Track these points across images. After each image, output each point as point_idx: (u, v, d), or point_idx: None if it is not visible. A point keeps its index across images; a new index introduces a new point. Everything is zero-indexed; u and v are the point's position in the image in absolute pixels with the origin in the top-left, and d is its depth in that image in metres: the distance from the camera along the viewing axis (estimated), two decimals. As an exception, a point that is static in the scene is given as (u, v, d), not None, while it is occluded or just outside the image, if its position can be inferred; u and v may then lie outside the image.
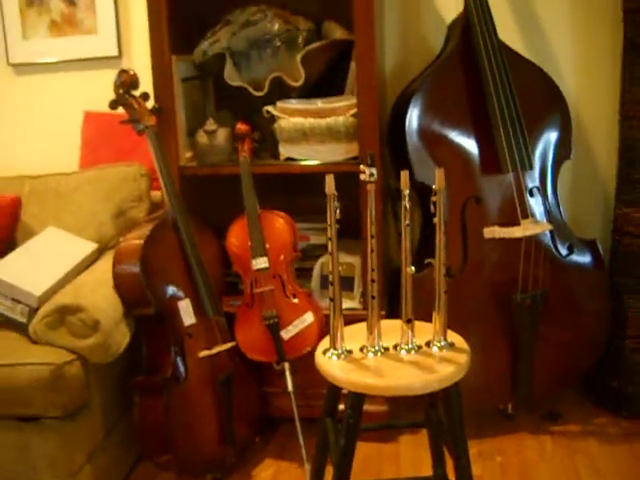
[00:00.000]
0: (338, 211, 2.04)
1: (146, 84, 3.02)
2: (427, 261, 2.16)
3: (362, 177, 2.01)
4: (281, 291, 2.91)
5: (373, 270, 2.08)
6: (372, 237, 2.05)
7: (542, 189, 3.02)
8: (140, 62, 3.46)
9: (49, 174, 3.43)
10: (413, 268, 2.07)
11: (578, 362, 3.15)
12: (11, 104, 3.85)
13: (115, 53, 3.66)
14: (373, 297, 2.10)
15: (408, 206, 2.02)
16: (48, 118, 3.81)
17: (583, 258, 3.11)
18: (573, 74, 3.37)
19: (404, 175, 2.00)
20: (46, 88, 3.80)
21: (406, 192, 2.01)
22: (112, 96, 2.94)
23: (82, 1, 3.66)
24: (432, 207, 2.04)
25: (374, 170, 1.98)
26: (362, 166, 2.01)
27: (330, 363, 2.14)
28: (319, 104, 3.00)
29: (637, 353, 3.16)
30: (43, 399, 2.57)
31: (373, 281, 2.09)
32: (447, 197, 2.88)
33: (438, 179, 2.00)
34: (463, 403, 2.17)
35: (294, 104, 3.01)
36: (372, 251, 2.06)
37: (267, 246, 2.91)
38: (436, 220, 2.04)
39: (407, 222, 2.03)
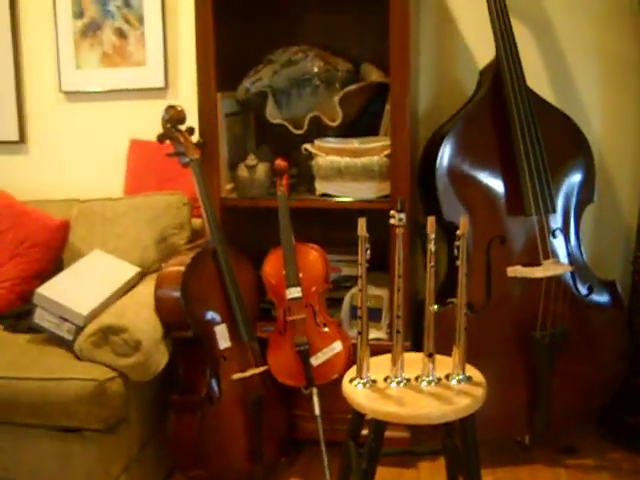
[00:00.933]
0: (368, 252, 2.19)
1: (190, 115, 3.18)
2: (449, 300, 2.31)
3: (392, 221, 2.16)
4: (312, 320, 3.05)
5: (399, 307, 2.22)
6: (399, 277, 2.20)
7: (565, 231, 3.14)
8: (185, 94, 3.67)
9: (96, 199, 3.60)
10: (436, 307, 2.22)
11: (595, 398, 3.25)
12: (62, 130, 4.03)
13: (162, 85, 3.84)
14: (398, 331, 2.25)
15: (433, 249, 2.17)
16: (96, 144, 3.98)
17: (602, 298, 3.22)
18: (599, 120, 3.51)
19: (430, 220, 2.14)
20: (95, 116, 3.97)
21: (432, 236, 2.16)
22: (158, 125, 3.12)
23: (133, 34, 3.84)
24: (455, 250, 2.19)
25: (403, 215, 2.13)
26: (392, 211, 2.15)
27: (356, 391, 2.30)
28: (355, 144, 3.15)
29: (652, 391, 3.24)
30: (86, 413, 2.74)
31: (399, 317, 2.23)
32: (473, 235, 3.02)
33: (462, 226, 2.15)
34: (481, 433, 2.32)
35: (331, 143, 3.17)
36: (399, 290, 2.20)
37: (300, 277, 3.05)
38: (459, 263, 2.18)
39: (432, 264, 2.17)
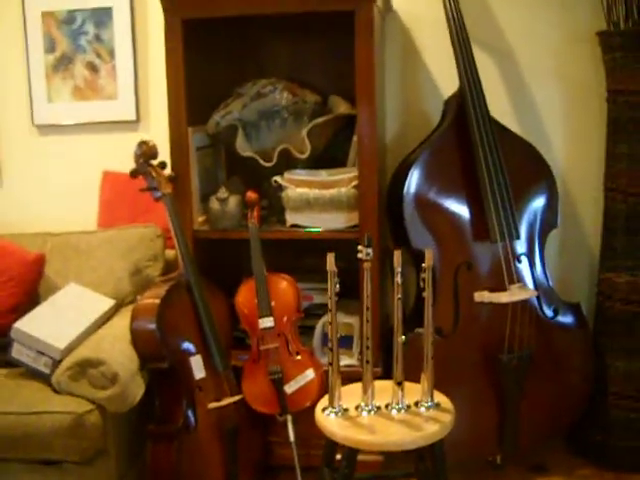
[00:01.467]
0: (338, 286, 2.26)
1: (162, 147, 3.24)
2: (417, 331, 2.38)
3: (359, 255, 2.23)
4: (285, 348, 3.11)
5: (368, 338, 2.30)
6: (367, 309, 2.27)
7: (530, 256, 3.23)
8: (157, 126, 3.73)
9: (70, 232, 3.65)
10: (404, 337, 2.30)
11: (563, 416, 3.33)
12: (34, 163, 4.07)
13: (133, 117, 3.90)
14: (367, 362, 2.32)
15: (400, 282, 2.24)
16: (69, 177, 4.02)
17: (568, 320, 3.31)
18: (562, 146, 3.62)
19: (397, 254, 2.22)
20: (68, 148, 4.02)
21: (398, 269, 2.23)
22: (130, 157, 3.17)
23: (104, 68, 3.90)
24: (421, 282, 2.27)
25: (370, 250, 2.21)
26: (360, 246, 2.23)
27: (328, 420, 2.37)
28: (323, 176, 3.23)
29: (618, 409, 3.35)
30: (64, 445, 2.80)
31: (367, 348, 2.30)
32: (440, 262, 3.11)
33: (427, 259, 2.23)
34: (454, 454, 2.43)
35: (300, 175, 3.24)
36: (367, 321, 2.28)
37: (273, 306, 3.12)
38: (425, 295, 2.26)
39: (399, 296, 2.25)
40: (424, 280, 2.25)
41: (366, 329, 2.31)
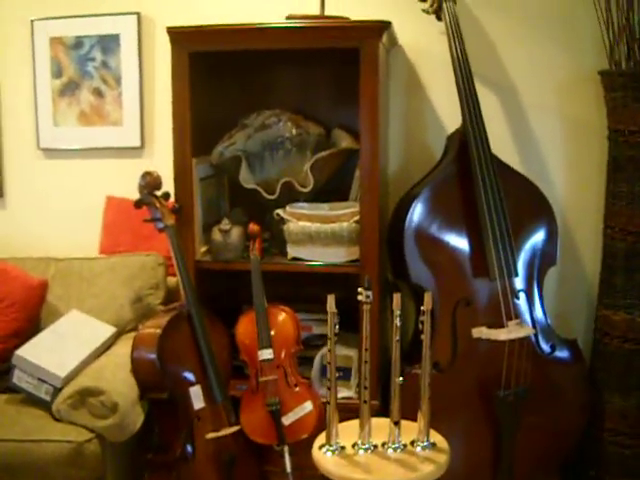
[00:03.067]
0: (337, 326, 2.29)
1: (166, 174, 3.28)
2: (414, 371, 2.41)
3: (359, 298, 2.26)
4: (284, 380, 3.14)
5: (366, 379, 2.32)
6: (366, 350, 2.30)
7: (528, 292, 3.25)
8: (161, 153, 3.76)
9: (73, 257, 3.68)
10: (401, 379, 2.32)
11: (558, 452, 3.34)
12: (39, 186, 4.10)
13: (138, 144, 3.93)
14: (365, 402, 2.34)
15: (399, 324, 2.27)
16: (73, 201, 4.05)
17: (564, 356, 3.32)
18: (562, 183, 3.64)
19: (396, 297, 2.25)
20: (72, 173, 4.05)
21: (397, 312, 2.26)
22: (134, 183, 3.21)
23: (110, 95, 3.93)
24: (420, 325, 2.29)
25: (370, 293, 2.24)
26: (360, 289, 2.26)
27: (325, 458, 2.41)
28: (325, 211, 3.27)
29: (614, 445, 3.37)
30: (63, 474, 2.83)
31: (365, 388, 2.33)
32: (439, 297, 3.13)
33: (426, 302, 2.26)
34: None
35: (302, 209, 3.27)
36: (366, 362, 2.30)
37: (272, 338, 3.14)
38: (423, 337, 2.29)
39: (397, 338, 2.28)
40: (422, 323, 2.28)
41: (364, 369, 2.33)
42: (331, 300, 2.23)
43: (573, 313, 3.70)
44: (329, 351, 2.30)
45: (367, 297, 2.24)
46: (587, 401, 3.34)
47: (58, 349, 3.13)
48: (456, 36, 3.28)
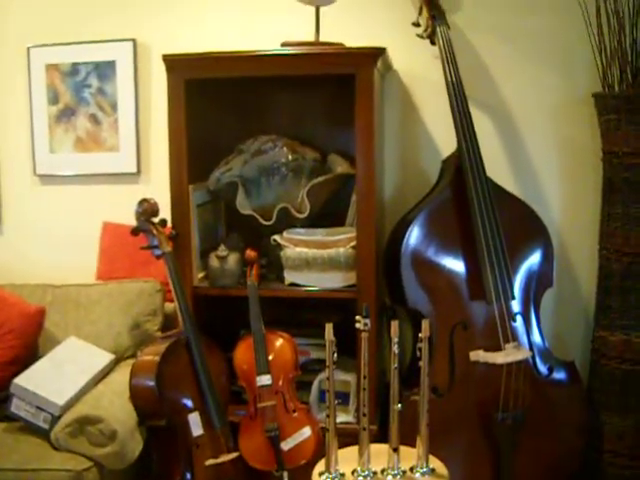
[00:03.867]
0: (335, 355, 2.29)
1: (162, 200, 3.29)
2: (412, 398, 2.41)
3: (357, 325, 2.27)
4: (282, 406, 3.14)
5: (365, 405, 2.33)
6: (365, 377, 2.30)
7: (525, 315, 3.26)
8: (157, 179, 3.79)
9: (71, 284, 3.69)
10: (400, 405, 2.33)
11: (557, 473, 3.33)
12: (36, 212, 4.12)
13: (134, 170, 3.94)
14: (364, 429, 2.35)
15: (397, 351, 2.28)
16: (69, 227, 4.06)
17: (562, 378, 3.33)
18: (558, 207, 3.65)
19: (394, 325, 2.26)
20: (69, 199, 4.07)
21: (395, 340, 2.27)
22: (131, 209, 3.22)
23: (106, 121, 3.95)
24: (418, 352, 2.30)
25: (368, 321, 2.24)
26: (358, 317, 2.26)
27: (325, 486, 2.39)
28: (322, 236, 3.28)
29: (613, 466, 3.37)
30: (62, 503, 2.81)
31: (364, 415, 2.33)
32: (436, 321, 3.14)
33: (424, 329, 2.26)
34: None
35: (299, 235, 3.28)
36: (364, 389, 2.31)
37: (270, 364, 3.14)
38: (421, 364, 2.29)
39: (395, 365, 2.28)
40: (420, 350, 2.28)
41: (363, 396, 2.34)
42: (329, 329, 2.24)
43: (570, 334, 3.70)
44: (328, 379, 2.30)
45: (365, 325, 2.24)
46: (585, 422, 3.34)
47: (56, 377, 3.13)
48: (450, 60, 3.30)
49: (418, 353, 2.32)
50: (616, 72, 3.30)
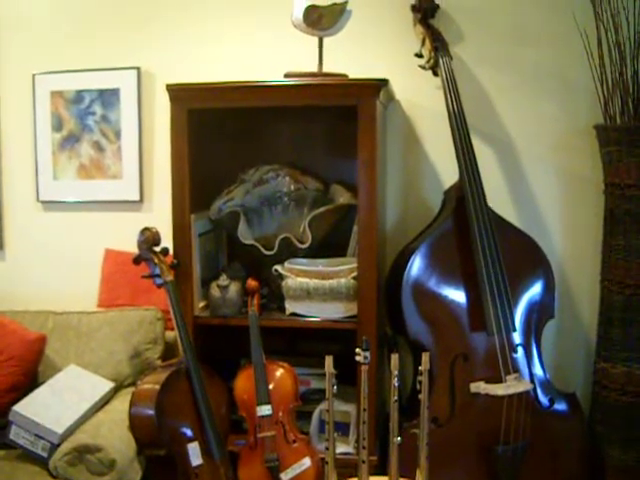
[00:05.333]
0: (335, 387, 2.29)
1: (164, 228, 3.30)
2: (412, 431, 2.41)
3: (357, 358, 2.27)
4: (282, 436, 3.13)
5: (364, 439, 2.32)
6: (364, 410, 2.30)
7: (526, 346, 3.25)
8: (159, 207, 3.79)
9: (72, 312, 3.69)
10: (399, 438, 2.32)
11: (558, 506, 3.32)
12: (38, 238, 4.12)
13: (137, 198, 3.96)
14: (364, 461, 2.34)
15: (397, 385, 2.27)
16: (71, 253, 4.07)
17: (563, 410, 3.31)
18: (559, 238, 3.66)
19: (394, 358, 2.26)
20: (71, 225, 4.08)
21: (395, 372, 2.26)
22: (133, 236, 3.22)
23: (110, 148, 3.96)
24: (418, 385, 2.30)
25: (368, 354, 2.24)
26: (358, 349, 2.26)
27: (324, 520, 2.38)
28: (323, 266, 3.28)
29: (615, 499, 3.35)
30: (60, 533, 2.80)
31: (364, 448, 2.33)
32: (437, 352, 3.14)
33: (424, 362, 2.26)
34: None
35: (300, 265, 3.28)
36: (364, 423, 2.30)
37: (271, 394, 3.14)
38: (421, 397, 2.29)
39: (395, 398, 2.28)
40: (420, 383, 2.28)
41: (363, 429, 2.33)
42: (329, 361, 2.23)
43: (571, 366, 3.69)
44: (327, 412, 2.29)
45: (365, 358, 2.24)
46: (587, 455, 3.33)
47: (55, 405, 3.13)
48: (452, 91, 3.31)
49: (418, 386, 2.31)
50: (617, 104, 3.31)
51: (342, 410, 3.28)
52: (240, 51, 3.74)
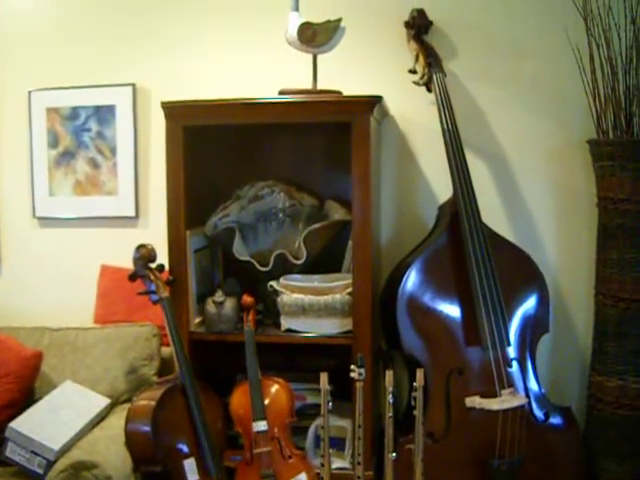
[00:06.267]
0: (330, 404, 2.30)
1: (160, 244, 3.32)
2: (407, 447, 2.42)
3: (352, 375, 2.28)
4: (278, 452, 3.14)
5: (359, 454, 2.33)
6: (359, 427, 2.31)
7: (521, 361, 3.26)
8: (155, 223, 3.79)
9: (68, 327, 3.69)
10: (394, 454, 2.33)
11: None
12: (34, 255, 4.14)
13: (133, 214, 3.98)
14: (359, 477, 2.35)
15: (392, 401, 2.28)
16: (68, 269, 4.09)
17: (559, 423, 3.32)
18: (554, 252, 3.68)
19: (389, 374, 2.27)
20: (67, 241, 4.09)
21: (390, 389, 2.28)
22: (128, 252, 3.23)
23: (105, 165, 3.98)
24: (412, 401, 2.31)
25: (363, 370, 2.25)
26: (353, 366, 2.27)
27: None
28: (318, 282, 3.30)
29: (611, 513, 3.35)
30: None
31: (359, 464, 2.34)
32: (432, 367, 3.15)
33: (418, 379, 2.27)
34: None
35: (295, 281, 3.29)
36: (359, 439, 2.31)
37: (266, 410, 3.14)
38: (416, 412, 2.30)
39: (390, 414, 2.29)
40: (415, 399, 2.29)
41: (358, 445, 2.34)
42: (324, 378, 2.25)
43: (566, 379, 3.71)
44: (322, 428, 2.30)
45: (360, 375, 2.25)
46: (582, 469, 3.34)
47: (52, 421, 3.13)
48: (446, 107, 3.33)
49: (413, 402, 2.32)
50: (610, 118, 3.33)
51: (338, 425, 3.28)
52: (235, 68, 3.77)
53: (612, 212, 3.32)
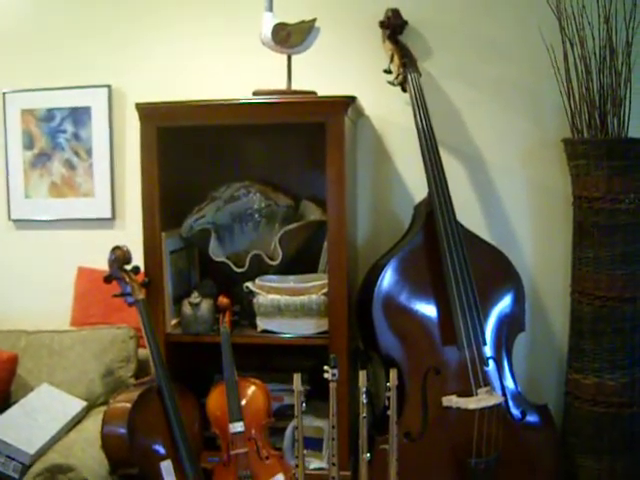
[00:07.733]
0: (304, 404, 2.30)
1: (137, 246, 3.31)
2: (382, 447, 2.42)
3: (326, 375, 2.28)
4: (255, 453, 3.13)
5: (334, 456, 2.33)
6: (333, 427, 2.31)
7: (497, 360, 3.27)
8: (132, 225, 3.77)
9: (44, 330, 3.67)
10: (369, 455, 2.33)
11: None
12: (10, 257, 4.13)
13: (109, 215, 3.97)
14: (334, 478, 2.35)
15: (365, 401, 2.29)
16: (44, 272, 4.08)
17: (535, 421, 3.33)
18: (529, 251, 3.69)
19: (362, 374, 2.27)
20: (43, 244, 4.08)
21: (363, 389, 2.28)
22: (105, 254, 3.20)
23: (81, 166, 3.97)
24: (386, 401, 2.31)
25: (336, 371, 2.25)
26: (326, 367, 2.28)
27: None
28: (294, 283, 3.29)
29: (589, 510, 3.37)
30: None
31: (334, 464, 2.34)
32: (409, 366, 3.15)
33: (392, 379, 2.28)
34: None
35: (271, 282, 3.29)
36: (333, 439, 2.31)
37: (243, 411, 3.13)
38: (390, 412, 2.30)
39: (364, 415, 2.29)
40: (389, 399, 2.30)
41: (332, 446, 2.34)
42: (297, 378, 2.25)
43: (543, 378, 3.72)
44: (296, 428, 2.30)
45: (333, 375, 2.25)
46: (560, 466, 3.35)
47: (27, 425, 3.11)
48: (421, 107, 3.33)
49: (386, 402, 2.33)
50: (584, 117, 3.35)
51: (315, 426, 3.28)
52: (210, 69, 3.77)
53: (587, 211, 3.34)
